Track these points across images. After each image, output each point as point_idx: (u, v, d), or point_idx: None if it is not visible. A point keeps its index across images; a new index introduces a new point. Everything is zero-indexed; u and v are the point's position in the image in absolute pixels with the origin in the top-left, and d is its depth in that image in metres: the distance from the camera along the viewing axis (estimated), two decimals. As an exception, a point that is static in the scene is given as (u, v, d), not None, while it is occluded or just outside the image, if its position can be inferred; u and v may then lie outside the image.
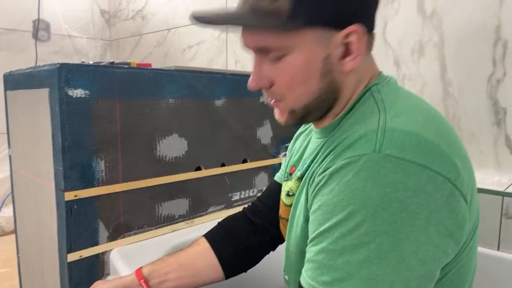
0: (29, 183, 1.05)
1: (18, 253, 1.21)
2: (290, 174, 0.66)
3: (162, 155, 1.01)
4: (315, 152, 0.56)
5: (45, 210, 0.96)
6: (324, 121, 0.56)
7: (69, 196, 0.84)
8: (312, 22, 0.47)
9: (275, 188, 0.74)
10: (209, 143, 1.12)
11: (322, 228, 0.44)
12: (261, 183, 1.30)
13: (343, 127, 0.51)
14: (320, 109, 0.53)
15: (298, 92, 0.51)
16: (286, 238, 0.62)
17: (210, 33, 1.92)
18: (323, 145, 0.54)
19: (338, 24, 0.48)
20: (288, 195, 0.64)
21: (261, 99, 1.26)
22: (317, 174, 0.49)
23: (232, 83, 1.16)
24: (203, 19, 0.50)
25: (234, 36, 1.81)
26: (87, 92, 0.85)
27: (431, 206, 0.41)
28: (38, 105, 0.92)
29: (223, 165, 1.17)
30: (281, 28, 0.47)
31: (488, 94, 1.07)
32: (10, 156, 1.17)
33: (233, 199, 1.22)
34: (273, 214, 0.71)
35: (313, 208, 0.48)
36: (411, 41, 1.20)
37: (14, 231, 1.22)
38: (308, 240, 0.47)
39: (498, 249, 0.97)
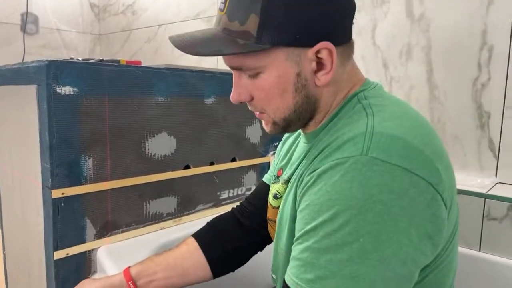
0: (15, 179, 1.04)
1: (4, 250, 1.20)
2: (278, 177, 0.68)
3: (151, 153, 1.01)
4: (302, 155, 0.58)
5: (31, 208, 0.95)
6: (308, 128, 0.59)
7: (56, 194, 0.84)
8: (280, 42, 0.49)
9: (264, 189, 0.76)
10: (198, 142, 1.12)
11: (308, 227, 0.45)
12: (250, 181, 1.31)
13: (331, 131, 0.53)
14: (301, 119, 0.56)
15: (275, 106, 0.54)
16: (274, 239, 0.64)
17: (201, 30, 1.92)
18: (309, 149, 0.57)
19: (305, 43, 0.50)
20: (275, 197, 0.66)
21: (251, 98, 1.27)
22: (306, 175, 0.50)
23: (222, 81, 1.16)
24: (179, 47, 0.52)
25: (225, 34, 1.81)
26: (75, 89, 0.85)
27: (413, 209, 0.42)
28: (25, 101, 0.92)
29: (212, 163, 1.18)
30: (249, 51, 0.49)
31: (472, 98, 1.09)
32: (-4, 152, 1.16)
33: (221, 198, 1.22)
34: (261, 215, 0.73)
35: (300, 207, 0.49)
36: (400, 44, 1.22)
37: (0, 228, 1.21)
38: (294, 239, 0.49)
39: (479, 250, 1.00)
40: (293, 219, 0.54)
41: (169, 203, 1.08)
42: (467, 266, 1.00)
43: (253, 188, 1.35)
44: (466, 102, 1.11)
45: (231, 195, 1.26)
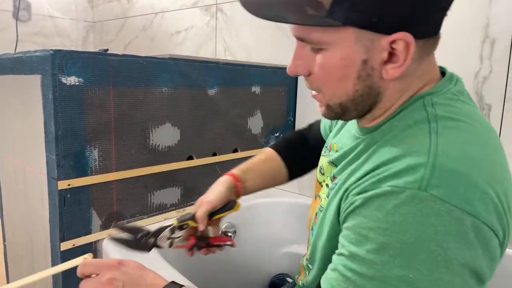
0: (17, 171, 1.03)
1: (4, 241, 1.19)
2: (329, 151, 0.66)
3: (155, 144, 1.01)
4: (352, 149, 0.54)
5: (35, 199, 0.95)
6: (363, 121, 0.54)
7: (63, 185, 0.84)
8: (353, 22, 0.44)
9: (318, 135, 0.83)
10: (201, 133, 1.12)
11: (354, 249, 0.43)
12: (251, 172, 1.32)
13: (387, 135, 0.49)
14: (358, 110, 0.51)
15: (332, 89, 0.50)
16: (316, 227, 0.60)
17: (199, 19, 1.90)
18: (362, 146, 0.52)
19: (383, 29, 0.44)
20: (320, 172, 0.66)
21: (253, 89, 1.27)
22: (352, 194, 0.47)
23: (225, 72, 1.15)
24: (244, 2, 0.48)
25: (223, 23, 1.79)
26: (80, 79, 0.84)
27: (471, 253, 0.40)
28: (28, 91, 0.90)
29: (214, 154, 1.18)
30: (316, 24, 0.45)
31: (474, 90, 1.11)
32: (-5, 142, 1.14)
33: (223, 188, 1.23)
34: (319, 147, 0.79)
35: (346, 224, 0.47)
36: (402, 35, 1.22)
37: (0, 219, 1.20)
38: (337, 250, 0.47)
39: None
40: (334, 230, 0.52)
41: (172, 193, 1.08)
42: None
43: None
44: (467, 95, 1.12)
45: (233, 185, 1.26)
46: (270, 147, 0.86)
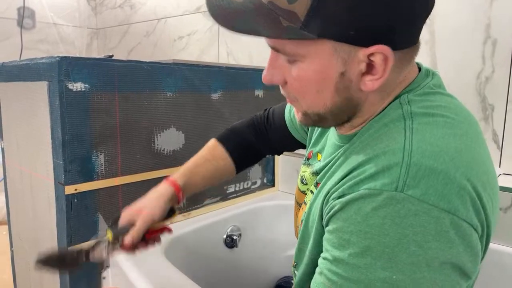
0: (24, 176, 1.04)
1: (11, 247, 1.20)
2: (308, 159, 0.66)
3: (160, 148, 1.02)
4: (334, 157, 0.54)
5: (42, 204, 0.95)
6: (342, 129, 0.54)
7: (70, 190, 0.85)
8: (329, 34, 0.42)
9: (282, 126, 0.78)
10: (205, 136, 1.13)
11: (337, 254, 0.44)
12: (255, 175, 1.32)
13: (363, 137, 0.48)
14: (336, 120, 0.50)
15: (309, 100, 0.48)
16: (299, 233, 0.61)
17: (202, 24, 1.91)
18: (342, 153, 0.52)
19: (360, 41, 0.42)
20: (302, 182, 0.65)
21: (256, 93, 1.28)
22: (332, 198, 0.46)
23: (228, 76, 1.16)
24: (214, 14, 0.46)
25: (226, 28, 1.80)
26: (86, 85, 0.85)
27: (452, 251, 0.40)
28: (34, 98, 0.91)
29: (219, 158, 1.18)
30: (292, 37, 0.43)
31: (477, 90, 1.11)
32: (2, 149, 1.16)
33: (228, 192, 1.23)
34: (274, 144, 0.81)
35: (328, 228, 0.47)
36: (404, 37, 1.23)
37: (8, 225, 1.21)
38: (322, 254, 0.47)
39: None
40: (319, 233, 0.52)
41: (178, 197, 1.08)
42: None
43: (259, 182, 1.36)
44: (470, 95, 1.12)
45: (237, 189, 1.27)
46: (216, 138, 0.83)
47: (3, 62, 1.07)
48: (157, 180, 1.02)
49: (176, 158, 1.05)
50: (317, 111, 0.49)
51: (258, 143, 0.82)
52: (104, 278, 0.93)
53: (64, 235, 0.87)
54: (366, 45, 0.42)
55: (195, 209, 1.14)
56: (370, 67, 0.44)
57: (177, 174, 0.75)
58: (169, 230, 0.72)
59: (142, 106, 0.96)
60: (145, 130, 0.98)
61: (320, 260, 0.47)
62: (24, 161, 1.03)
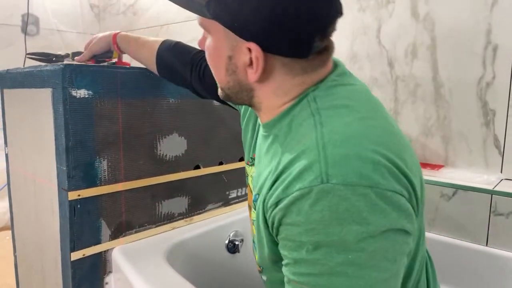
0: (28, 182, 1.05)
1: (15, 251, 1.21)
2: (253, 159, 0.68)
3: (163, 154, 1.02)
4: (264, 152, 0.57)
5: (46, 210, 0.96)
6: (260, 117, 0.58)
7: (73, 195, 0.85)
8: (220, 19, 0.49)
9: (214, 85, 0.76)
10: (207, 142, 1.14)
11: (295, 256, 0.46)
12: (257, 181, 1.32)
13: (286, 138, 0.52)
14: (239, 99, 0.56)
15: (215, 73, 0.55)
16: (256, 248, 0.63)
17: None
18: (270, 144, 0.55)
19: (242, 34, 0.48)
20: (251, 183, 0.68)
21: (258, 98, 1.28)
22: (270, 205, 0.49)
23: (230, 82, 1.17)
24: None
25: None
26: (90, 92, 0.86)
27: (388, 219, 0.44)
28: (38, 105, 0.92)
29: (221, 163, 1.19)
30: (195, 11, 0.51)
31: (478, 96, 1.11)
32: (6, 155, 1.17)
33: (230, 197, 1.24)
34: (205, 91, 0.86)
35: (280, 236, 0.49)
36: (405, 43, 1.24)
37: (11, 230, 1.22)
38: (283, 262, 0.49)
39: (486, 245, 1.02)
40: (270, 239, 0.55)
41: (180, 203, 1.09)
42: (474, 261, 1.02)
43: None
44: (471, 100, 1.13)
45: (239, 194, 1.27)
46: (162, 42, 0.90)
47: (7, 69, 1.08)
48: (160, 186, 1.03)
49: (179, 164, 1.06)
50: (221, 86, 0.56)
51: (191, 81, 0.87)
52: (106, 283, 0.94)
53: (67, 240, 0.87)
54: (247, 39, 0.48)
55: (197, 214, 1.14)
56: (251, 62, 0.50)
57: (124, 33, 0.96)
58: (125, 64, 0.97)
59: (145, 113, 0.97)
60: (148, 136, 0.98)
61: (283, 269, 0.49)
62: (28, 167, 1.04)
